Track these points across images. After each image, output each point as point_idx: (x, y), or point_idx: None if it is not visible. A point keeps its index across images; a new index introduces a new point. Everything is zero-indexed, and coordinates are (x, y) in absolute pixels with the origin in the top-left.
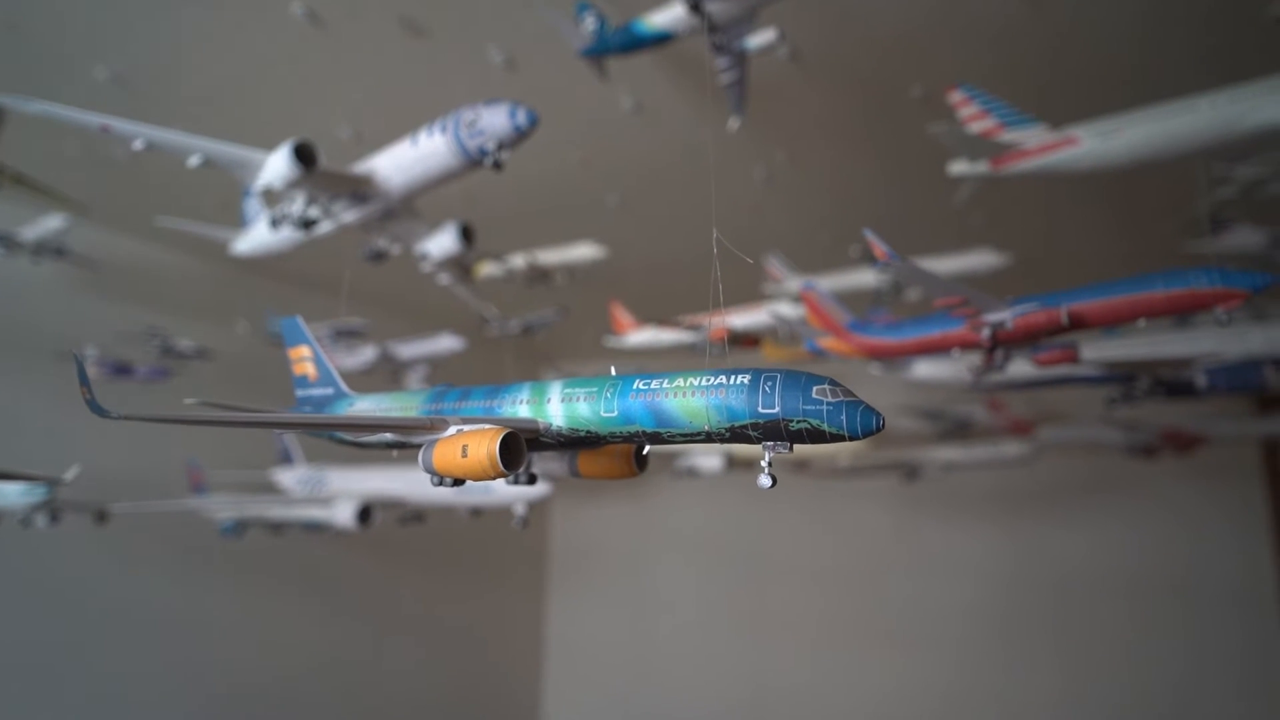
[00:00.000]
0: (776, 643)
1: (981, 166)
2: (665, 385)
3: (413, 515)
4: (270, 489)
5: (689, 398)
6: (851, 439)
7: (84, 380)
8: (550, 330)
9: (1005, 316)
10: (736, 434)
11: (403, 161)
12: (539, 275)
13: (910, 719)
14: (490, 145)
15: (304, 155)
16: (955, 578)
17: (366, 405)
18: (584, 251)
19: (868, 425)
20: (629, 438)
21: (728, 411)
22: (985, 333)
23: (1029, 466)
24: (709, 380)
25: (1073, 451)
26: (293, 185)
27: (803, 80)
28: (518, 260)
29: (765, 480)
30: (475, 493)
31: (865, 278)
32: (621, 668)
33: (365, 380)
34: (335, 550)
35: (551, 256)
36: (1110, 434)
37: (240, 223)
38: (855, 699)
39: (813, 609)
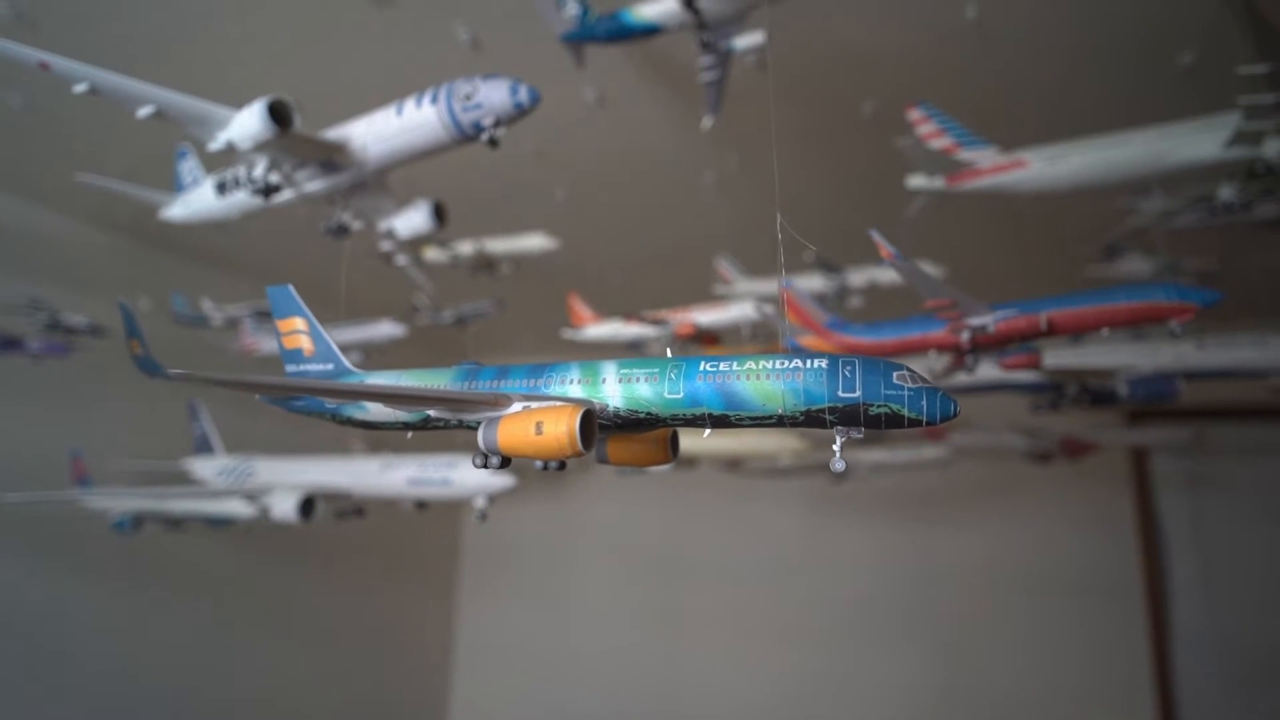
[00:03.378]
0: (690, 640)
1: (938, 182)
2: (736, 368)
3: (353, 509)
4: (183, 480)
5: (763, 380)
6: (929, 424)
7: (134, 332)
8: (486, 323)
9: (987, 321)
10: (811, 418)
11: (384, 131)
12: (485, 264)
13: (811, 709)
14: (487, 121)
15: (278, 115)
16: (857, 575)
17: (382, 382)
18: (535, 242)
19: (946, 411)
20: (691, 421)
21: (806, 395)
22: (965, 335)
23: (946, 469)
24: (784, 363)
25: (968, 457)
26: (261, 147)
27: (764, 88)
28: (465, 247)
29: (840, 464)
30: (434, 485)
31: (813, 282)
32: (533, 668)
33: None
34: (229, 549)
35: (500, 245)
36: (1015, 440)
37: (174, 186)
38: (762, 692)
39: (725, 606)
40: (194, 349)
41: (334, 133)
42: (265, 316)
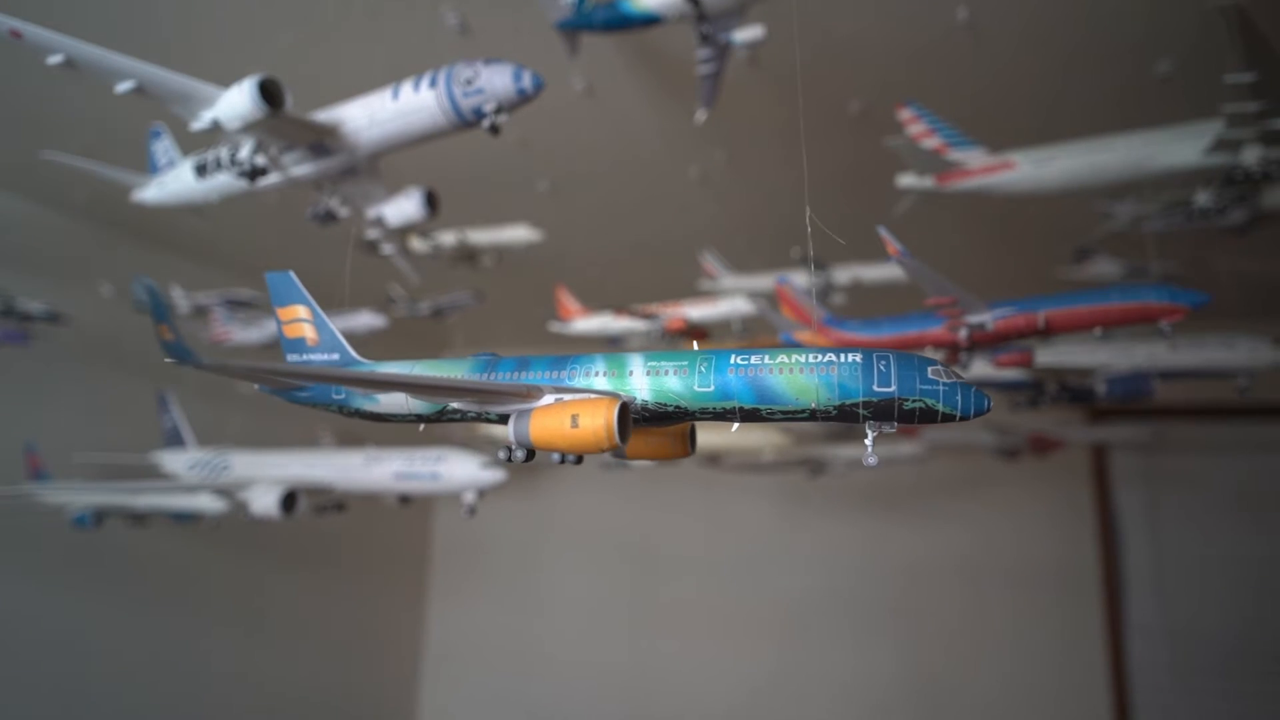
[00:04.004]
0: (664, 636)
1: (928, 182)
2: (768, 361)
3: (334, 504)
4: (152, 474)
5: (797, 374)
6: (962, 419)
7: (162, 315)
8: (464, 315)
9: (986, 319)
10: (845, 412)
11: (379, 114)
12: (467, 255)
13: (783, 702)
14: (488, 107)
15: (270, 94)
16: (828, 569)
17: (395, 372)
18: (518, 234)
19: (980, 406)
20: (721, 415)
21: (840, 389)
22: (963, 333)
23: (921, 465)
24: (817, 357)
25: (939, 453)
26: (249, 128)
27: (754, 84)
28: (447, 237)
29: (873, 459)
30: (422, 479)
31: (798, 279)
32: (504, 667)
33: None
34: (193, 546)
35: (483, 236)
36: (985, 437)
37: (148, 168)
38: (736, 686)
39: (700, 601)
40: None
41: (325, 115)
42: (238, 305)
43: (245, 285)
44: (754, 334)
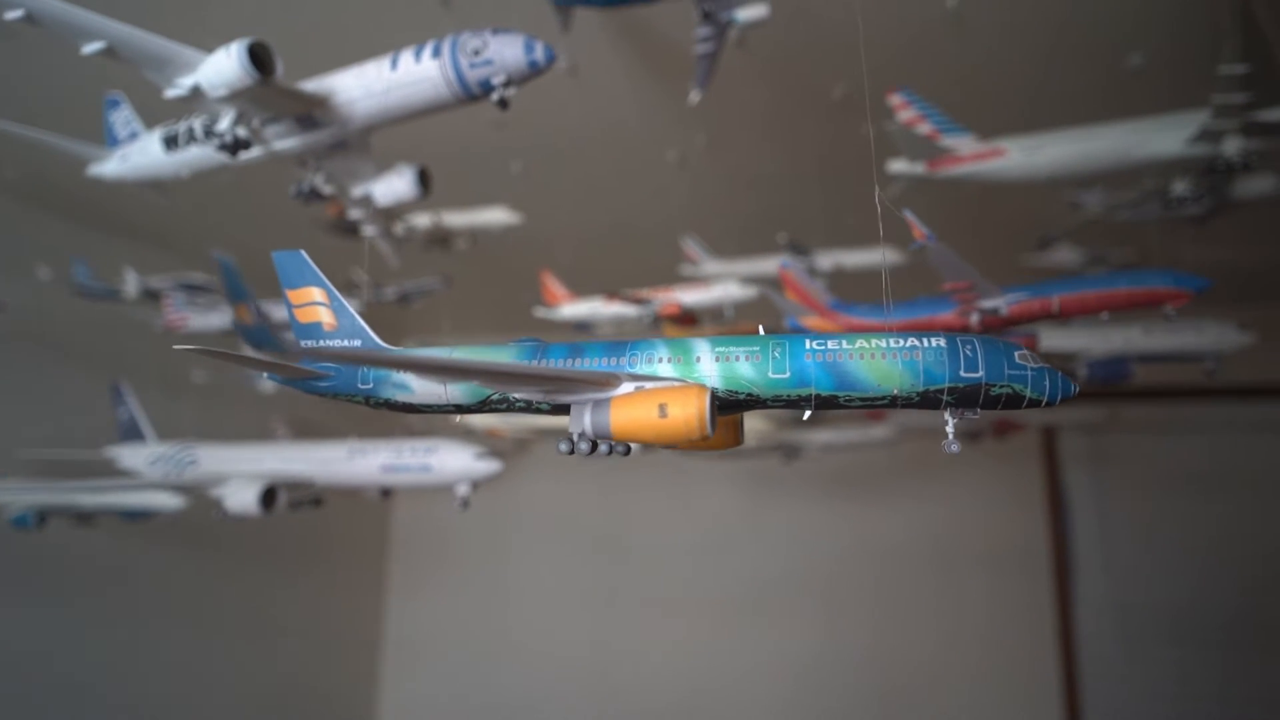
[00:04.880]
0: (629, 621)
1: (919, 168)
2: (847, 346)
3: (312, 499)
4: (108, 471)
5: (879, 360)
6: (1048, 405)
7: (240, 293)
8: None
9: (1000, 303)
10: (928, 399)
11: (374, 85)
12: (440, 238)
13: (747, 682)
14: (497, 79)
15: (260, 60)
16: (792, 552)
17: (468, 359)
18: (496, 216)
19: (1068, 391)
20: (794, 402)
21: (926, 374)
22: (976, 318)
23: (893, 447)
24: (900, 341)
25: (903, 436)
26: (235, 96)
27: (738, 67)
28: (421, 219)
29: (955, 446)
30: (411, 471)
31: (769, 265)
32: (467, 658)
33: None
34: (141, 542)
35: (459, 219)
36: (949, 419)
37: (105, 140)
38: (700, 668)
39: (664, 585)
40: (108, 324)
41: (315, 85)
42: (195, 290)
43: (192, 268)
44: (737, 321)
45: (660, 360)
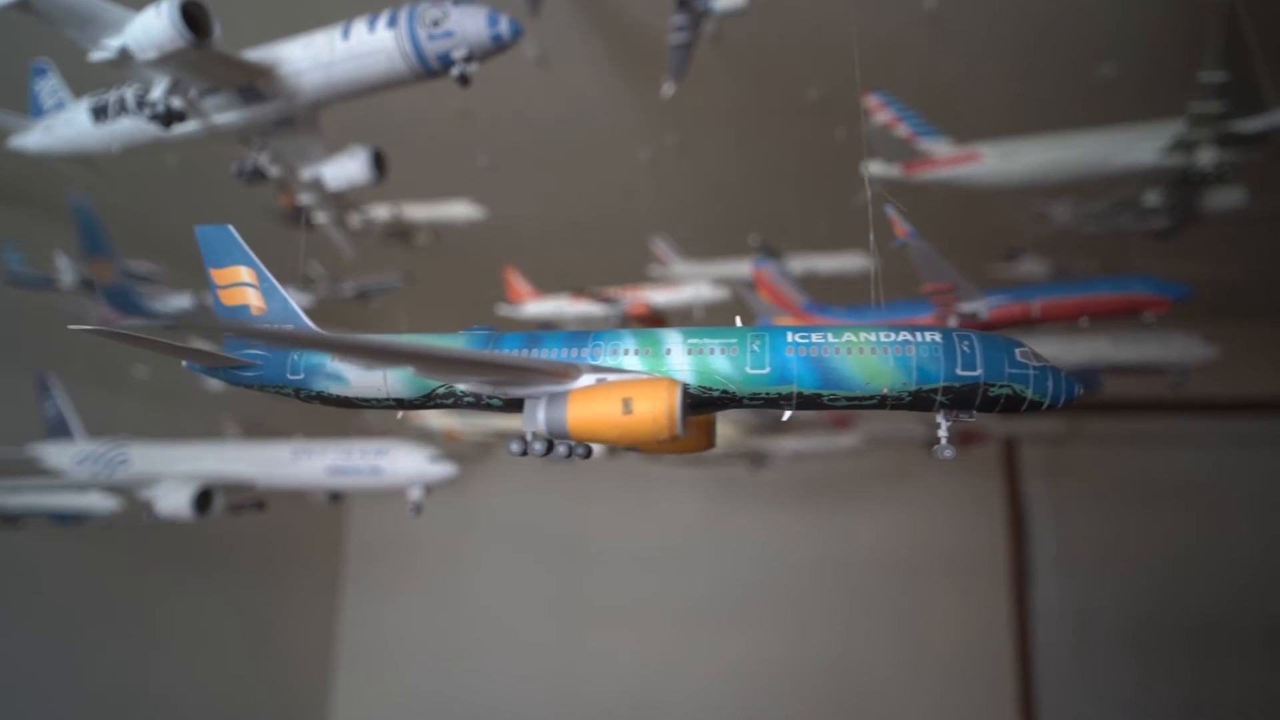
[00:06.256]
0: (592, 628)
1: (895, 170)
2: (832, 340)
3: (252, 503)
4: (29, 470)
5: (868, 354)
6: (1050, 407)
7: (98, 246)
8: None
9: (980, 307)
10: (920, 399)
11: (324, 56)
12: (400, 231)
13: (710, 689)
14: (457, 53)
15: (194, 21)
16: (754, 560)
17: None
18: (459, 210)
19: (1071, 392)
20: (773, 401)
21: (920, 372)
22: (954, 321)
23: (859, 456)
24: (891, 336)
25: (869, 446)
26: (166, 60)
27: (711, 66)
28: (380, 211)
29: (949, 452)
30: (360, 474)
31: (741, 268)
32: (424, 665)
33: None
34: (83, 547)
35: (420, 212)
36: (914, 428)
37: (30, 109)
38: (662, 675)
39: (627, 593)
40: (40, 314)
41: (260, 54)
42: (135, 279)
43: (133, 255)
44: (706, 323)
45: (626, 352)
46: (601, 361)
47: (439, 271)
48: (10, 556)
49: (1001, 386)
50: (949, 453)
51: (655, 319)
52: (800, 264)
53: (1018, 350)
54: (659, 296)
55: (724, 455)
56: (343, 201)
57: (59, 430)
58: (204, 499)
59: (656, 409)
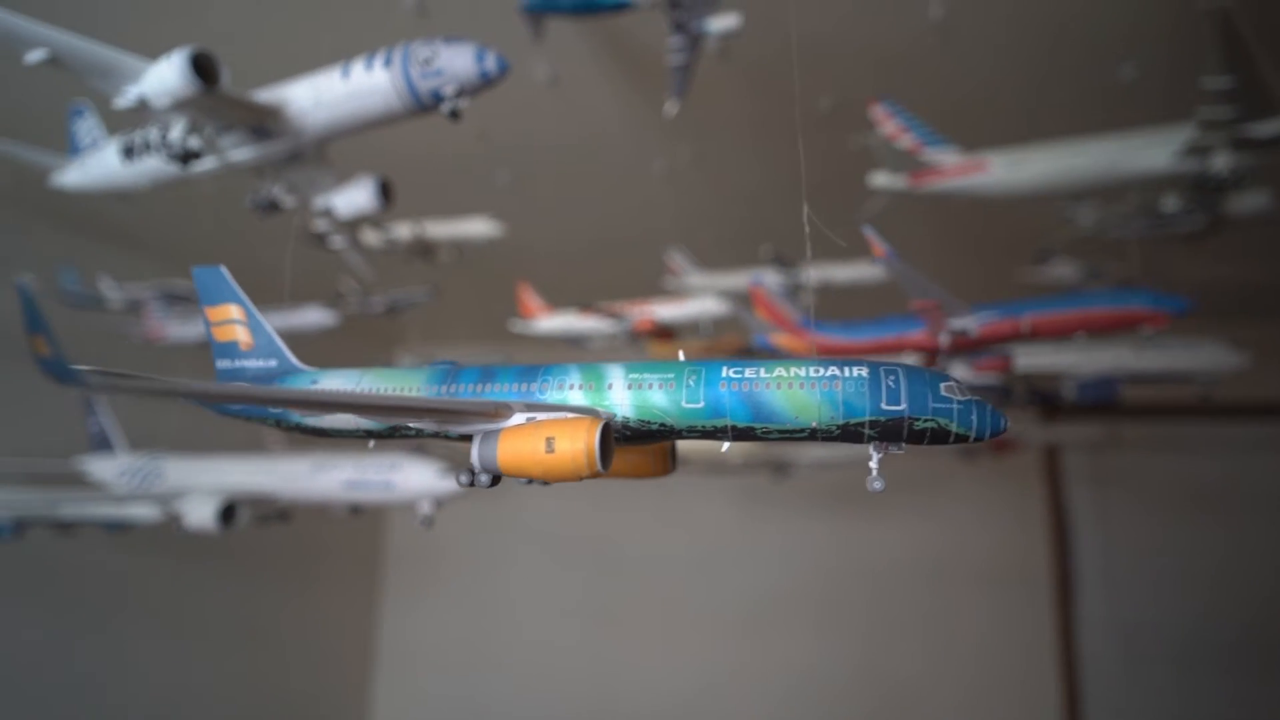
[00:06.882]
0: (622, 634)
1: (901, 181)
2: (764, 375)
3: (277, 514)
4: (77, 482)
5: (796, 389)
6: (977, 440)
7: (38, 325)
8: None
9: (970, 323)
10: (849, 432)
11: (326, 96)
12: (423, 249)
13: (739, 697)
14: (448, 90)
15: (203, 69)
16: (786, 567)
17: (340, 384)
18: (478, 227)
19: (996, 426)
20: (710, 433)
21: (845, 407)
22: (945, 338)
23: (885, 464)
24: (820, 371)
25: (899, 453)
26: (180, 106)
27: (723, 79)
28: (403, 230)
29: (879, 484)
30: (373, 488)
31: (767, 278)
32: (461, 669)
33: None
34: (128, 552)
35: (441, 229)
36: None
37: (69, 148)
38: (692, 681)
39: (656, 599)
40: (88, 334)
41: (268, 94)
42: (175, 299)
43: (181, 277)
44: (720, 334)
45: (572, 387)
46: (549, 395)
47: (469, 285)
48: (64, 562)
49: (926, 420)
50: (879, 484)
51: (663, 333)
52: (816, 274)
53: (943, 385)
54: (665, 311)
55: (745, 465)
56: (356, 227)
57: (102, 444)
58: (228, 512)
59: (576, 448)
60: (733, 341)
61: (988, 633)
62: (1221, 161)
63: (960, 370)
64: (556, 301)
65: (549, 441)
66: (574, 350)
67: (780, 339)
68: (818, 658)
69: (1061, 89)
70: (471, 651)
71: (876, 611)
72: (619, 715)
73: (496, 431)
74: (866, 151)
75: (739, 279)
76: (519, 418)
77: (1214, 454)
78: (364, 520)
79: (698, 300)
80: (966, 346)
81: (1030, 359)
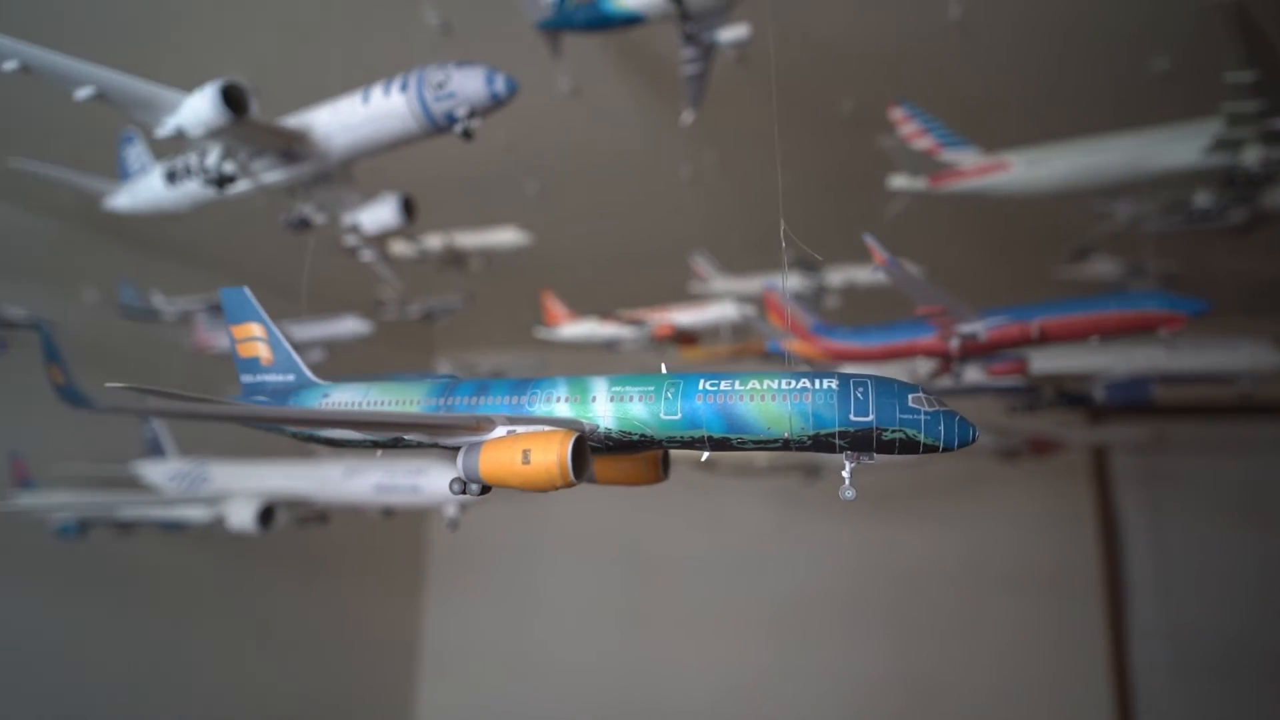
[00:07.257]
0: (660, 638)
1: (920, 183)
2: (738, 387)
3: (316, 516)
4: (131, 484)
5: (769, 402)
6: (945, 450)
7: (54, 355)
8: (454, 319)
9: (978, 328)
10: (820, 443)
11: (349, 120)
12: (454, 259)
13: (780, 704)
14: (460, 111)
15: (233, 100)
16: (825, 571)
17: (347, 396)
18: (506, 237)
19: (964, 437)
20: (689, 443)
21: (815, 418)
22: (955, 343)
23: (919, 466)
24: (791, 384)
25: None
26: (214, 134)
27: (743, 83)
28: (433, 241)
29: (850, 493)
30: (402, 492)
31: (791, 281)
32: (502, 669)
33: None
34: (183, 553)
35: (470, 239)
36: (984, 438)
37: (119, 174)
38: (731, 687)
39: (695, 603)
40: (144, 344)
41: (294, 120)
42: (220, 311)
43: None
44: (744, 338)
45: (559, 400)
46: (537, 408)
47: (495, 294)
48: (123, 561)
49: (894, 431)
50: (850, 494)
51: (685, 339)
52: (838, 276)
53: (910, 396)
54: (684, 317)
55: (776, 468)
56: (384, 241)
57: (155, 449)
58: (267, 514)
59: (549, 460)
60: (758, 346)
61: (1038, 640)
62: (1252, 156)
63: (973, 374)
64: (587, 308)
65: (525, 453)
66: (608, 355)
67: (791, 344)
68: (856, 664)
69: (1082, 86)
70: (511, 650)
71: (913, 615)
72: (654, 714)
73: (479, 444)
74: (888, 153)
75: (762, 283)
76: (501, 430)
77: (1270, 454)
78: (407, 523)
79: (717, 306)
80: (977, 350)
81: (1060, 360)
